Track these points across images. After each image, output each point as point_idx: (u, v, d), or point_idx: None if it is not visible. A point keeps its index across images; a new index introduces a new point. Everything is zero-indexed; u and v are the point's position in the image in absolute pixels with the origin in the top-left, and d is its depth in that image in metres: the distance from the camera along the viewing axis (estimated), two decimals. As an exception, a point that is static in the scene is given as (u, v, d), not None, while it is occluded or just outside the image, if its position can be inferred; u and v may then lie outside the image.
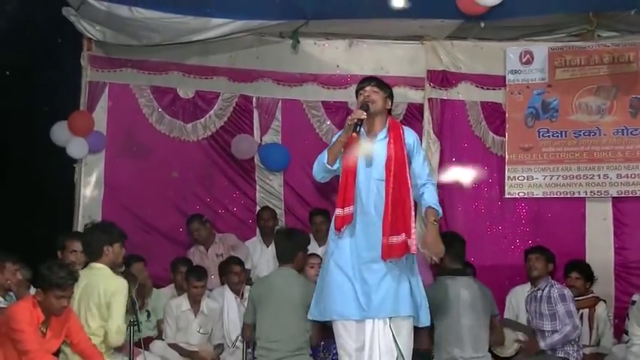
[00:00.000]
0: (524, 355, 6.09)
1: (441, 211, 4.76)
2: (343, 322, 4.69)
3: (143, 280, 6.41)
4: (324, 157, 4.70)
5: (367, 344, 4.61)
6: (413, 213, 4.63)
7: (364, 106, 4.65)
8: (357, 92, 4.86)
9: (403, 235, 4.55)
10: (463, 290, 5.51)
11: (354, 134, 4.54)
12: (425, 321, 4.78)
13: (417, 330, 5.54)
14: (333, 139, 4.77)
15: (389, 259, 4.57)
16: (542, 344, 6.01)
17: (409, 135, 4.79)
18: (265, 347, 5.35)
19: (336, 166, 4.70)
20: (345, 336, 4.71)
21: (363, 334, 4.64)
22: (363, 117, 4.57)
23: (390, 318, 4.61)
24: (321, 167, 4.74)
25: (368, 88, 4.77)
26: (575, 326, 5.99)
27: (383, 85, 4.84)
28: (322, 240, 6.95)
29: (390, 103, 4.85)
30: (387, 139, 4.70)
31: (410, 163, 4.70)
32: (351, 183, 4.65)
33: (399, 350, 4.60)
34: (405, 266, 4.65)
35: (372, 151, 4.65)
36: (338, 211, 4.67)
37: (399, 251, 4.56)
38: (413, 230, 4.59)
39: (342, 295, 4.64)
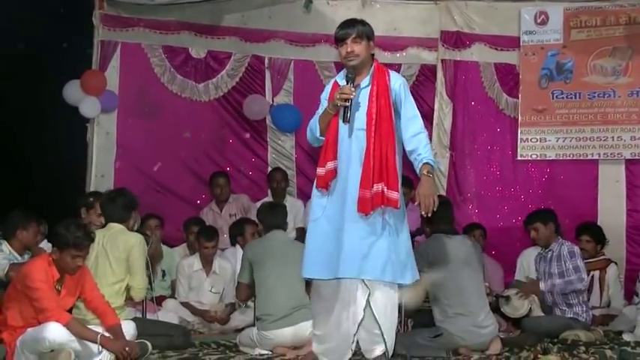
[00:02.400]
0: (522, 293, 6.05)
1: (435, 166, 4.43)
2: (317, 281, 4.58)
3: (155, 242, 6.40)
4: (316, 129, 4.57)
5: (337, 305, 4.44)
6: (397, 165, 4.40)
7: (350, 76, 4.41)
8: (336, 40, 4.49)
9: (381, 185, 4.31)
10: (460, 247, 5.47)
11: (346, 123, 4.38)
12: (407, 279, 4.45)
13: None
14: (320, 111, 4.59)
15: (364, 212, 4.31)
16: (541, 285, 6.02)
17: (395, 80, 4.47)
18: (268, 305, 5.37)
19: None
20: (315, 295, 4.64)
21: (336, 294, 4.44)
22: (352, 96, 4.36)
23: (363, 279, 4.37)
24: (314, 138, 4.63)
25: (349, 41, 4.41)
26: (580, 278, 5.96)
27: (363, 31, 4.44)
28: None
29: (372, 46, 4.49)
30: (370, 86, 4.42)
31: (398, 111, 4.43)
32: (332, 141, 4.47)
33: (373, 314, 4.37)
34: (387, 223, 4.37)
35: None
36: (319, 171, 4.51)
37: (374, 203, 4.30)
38: (396, 183, 4.34)
39: (316, 254, 4.47)
